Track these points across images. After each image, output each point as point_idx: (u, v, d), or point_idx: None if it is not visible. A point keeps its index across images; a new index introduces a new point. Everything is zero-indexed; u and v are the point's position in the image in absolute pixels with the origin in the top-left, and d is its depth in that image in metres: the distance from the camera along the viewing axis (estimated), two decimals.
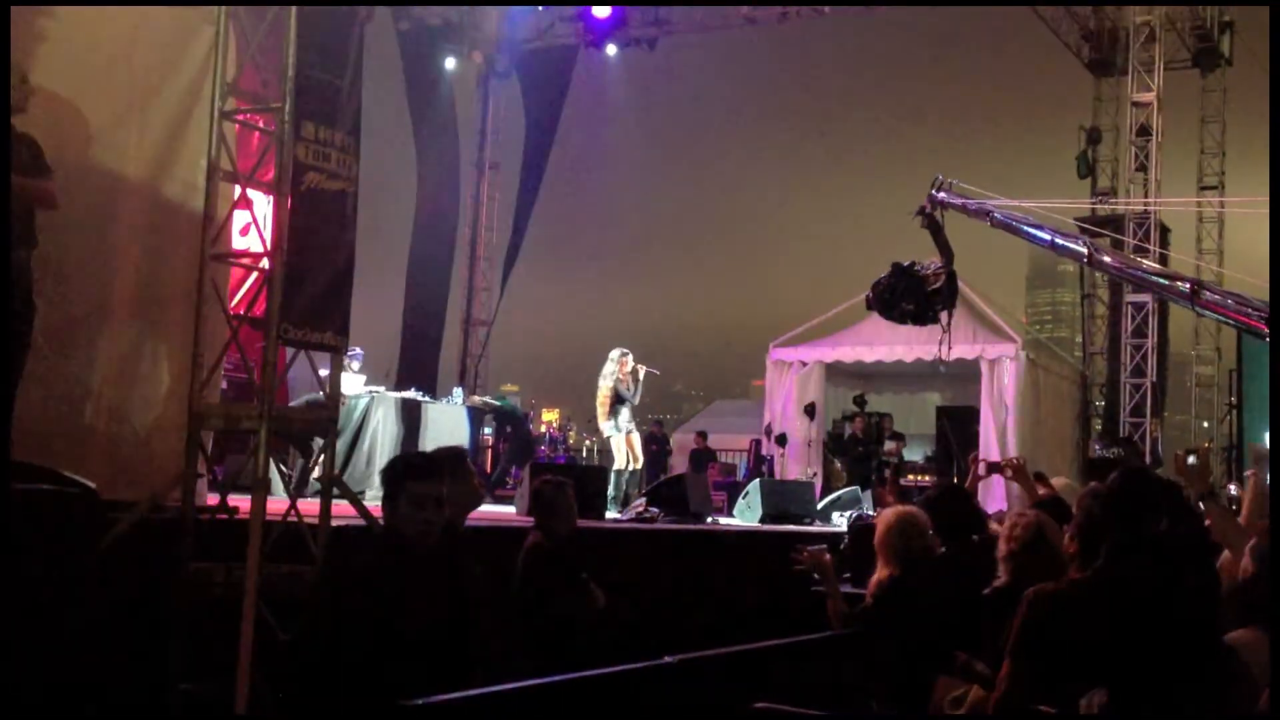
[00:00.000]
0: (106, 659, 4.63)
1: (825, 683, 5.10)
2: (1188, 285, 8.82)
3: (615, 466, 12.57)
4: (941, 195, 10.44)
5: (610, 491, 12.12)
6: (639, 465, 12.90)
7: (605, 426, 12.57)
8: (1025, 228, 9.90)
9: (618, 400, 12.40)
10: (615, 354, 12.51)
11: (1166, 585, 3.44)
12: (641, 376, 12.70)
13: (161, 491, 5.37)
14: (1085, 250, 9.43)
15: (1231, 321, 8.56)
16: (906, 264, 10.37)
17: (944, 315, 10.52)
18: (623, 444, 12.50)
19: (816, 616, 5.74)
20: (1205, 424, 22.82)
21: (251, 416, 5.32)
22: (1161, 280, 9.53)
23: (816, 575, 5.56)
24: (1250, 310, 8.02)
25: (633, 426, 12.70)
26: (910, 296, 10.27)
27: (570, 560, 6.02)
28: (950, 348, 11.57)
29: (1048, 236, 9.67)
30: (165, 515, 5.30)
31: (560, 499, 6.09)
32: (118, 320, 5.95)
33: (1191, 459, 4.76)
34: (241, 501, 5.46)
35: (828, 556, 5.55)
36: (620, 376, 12.41)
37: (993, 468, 7.85)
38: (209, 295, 5.57)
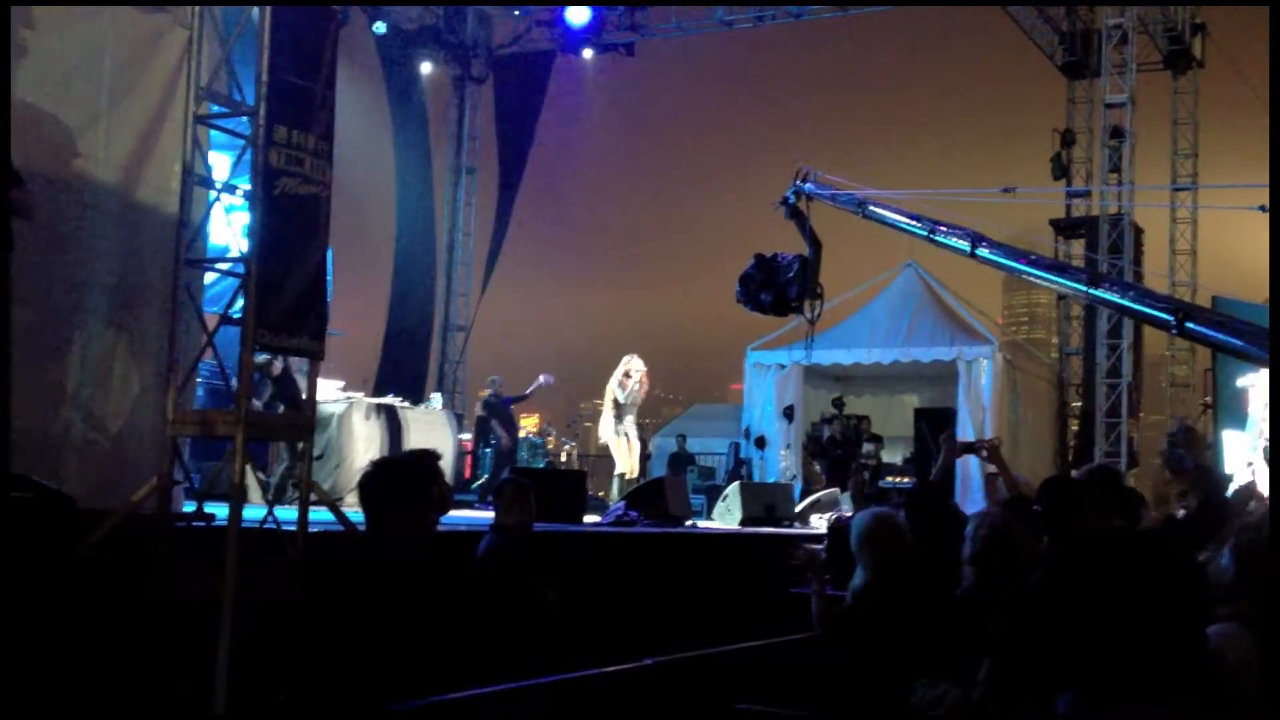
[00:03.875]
0: (82, 667, 4.59)
1: (806, 684, 5.11)
2: (1084, 277, 8.32)
3: (617, 471, 12.70)
4: (807, 186, 10.24)
5: (615, 495, 12.20)
6: (629, 471, 12.83)
7: (602, 430, 12.72)
8: (900, 219, 9.34)
9: (615, 404, 12.61)
10: (624, 359, 12.77)
11: (1135, 581, 3.44)
12: (634, 378, 12.73)
13: (137, 499, 5.32)
14: (968, 245, 8.59)
15: (1129, 311, 8.03)
16: (768, 255, 10.33)
17: (808, 306, 10.39)
18: (621, 448, 12.58)
19: (795, 618, 5.78)
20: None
21: (227, 422, 5.28)
22: (1055, 274, 8.51)
23: (809, 574, 5.64)
24: (1152, 302, 7.48)
25: (631, 432, 12.76)
26: (767, 287, 10.24)
27: (526, 561, 6.05)
28: (812, 341, 11.37)
29: (925, 229, 8.95)
30: (141, 523, 5.25)
31: (519, 499, 6.15)
32: (91, 326, 5.89)
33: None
34: (219, 508, 5.42)
35: (822, 556, 5.66)
36: (620, 380, 12.59)
37: (967, 448, 7.84)
38: (184, 300, 5.52)
